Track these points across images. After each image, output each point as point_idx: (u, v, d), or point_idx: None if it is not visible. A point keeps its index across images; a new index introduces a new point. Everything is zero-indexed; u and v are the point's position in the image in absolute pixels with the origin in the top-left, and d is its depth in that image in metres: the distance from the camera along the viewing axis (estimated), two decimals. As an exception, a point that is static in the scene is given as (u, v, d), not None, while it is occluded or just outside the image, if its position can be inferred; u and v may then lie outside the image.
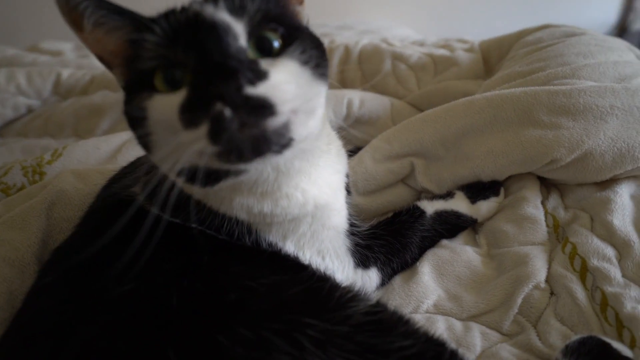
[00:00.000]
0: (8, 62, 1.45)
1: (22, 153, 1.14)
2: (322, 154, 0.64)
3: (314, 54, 0.52)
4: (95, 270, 0.53)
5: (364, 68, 1.28)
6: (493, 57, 1.16)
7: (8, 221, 0.70)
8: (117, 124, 1.20)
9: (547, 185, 0.86)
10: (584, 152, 0.76)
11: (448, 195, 0.85)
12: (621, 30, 2.75)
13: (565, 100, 0.79)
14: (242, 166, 0.50)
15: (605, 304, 0.65)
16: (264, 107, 0.44)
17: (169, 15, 0.52)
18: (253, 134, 0.45)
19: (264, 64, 0.48)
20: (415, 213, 0.81)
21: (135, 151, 0.98)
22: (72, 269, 0.54)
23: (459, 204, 0.83)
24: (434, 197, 0.86)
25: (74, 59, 1.55)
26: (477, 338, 0.67)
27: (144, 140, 0.52)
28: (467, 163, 0.85)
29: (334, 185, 0.66)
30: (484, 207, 0.83)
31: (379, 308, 0.55)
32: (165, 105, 0.48)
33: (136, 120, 0.51)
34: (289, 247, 0.63)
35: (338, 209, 0.67)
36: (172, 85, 0.48)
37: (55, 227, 0.73)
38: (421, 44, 1.44)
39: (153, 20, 0.51)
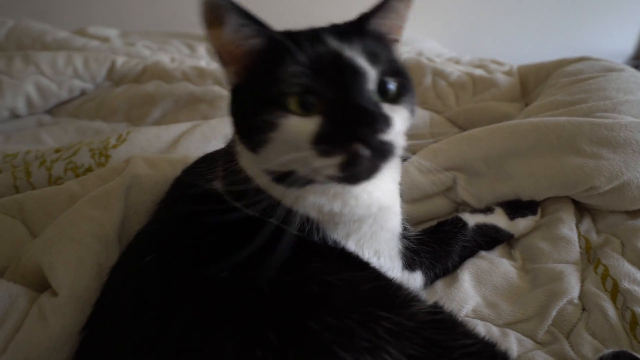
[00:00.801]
0: (59, 45, 1.50)
1: (76, 133, 1.19)
2: None
3: (414, 101, 0.61)
4: (190, 255, 0.59)
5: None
6: (530, 82, 1.22)
7: (92, 200, 0.76)
8: (167, 114, 1.26)
9: (580, 209, 0.93)
10: (621, 182, 0.83)
11: (488, 210, 0.91)
12: (638, 59, 2.83)
13: (607, 132, 0.86)
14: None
15: (634, 323, 0.71)
16: (389, 151, 0.53)
17: (309, 43, 0.56)
18: (371, 168, 0.54)
19: (387, 109, 0.55)
20: (458, 224, 0.87)
21: (193, 143, 1.04)
22: (169, 251, 0.60)
23: (499, 219, 0.90)
24: (474, 210, 0.92)
25: (121, 46, 1.60)
26: (513, 343, 0.73)
27: (256, 143, 0.57)
28: (509, 182, 0.91)
29: (393, 190, 0.73)
30: (521, 224, 0.90)
31: (439, 309, 0.61)
32: (299, 128, 0.53)
33: (258, 128, 0.55)
34: (351, 245, 0.68)
35: (396, 212, 0.73)
36: (304, 110, 0.54)
37: (131, 208, 0.79)
38: (457, 61, 1.50)
39: (292, 41, 0.55)
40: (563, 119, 0.90)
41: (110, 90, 1.33)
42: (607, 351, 0.66)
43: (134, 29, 1.86)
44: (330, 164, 0.52)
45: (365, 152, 0.51)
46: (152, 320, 0.53)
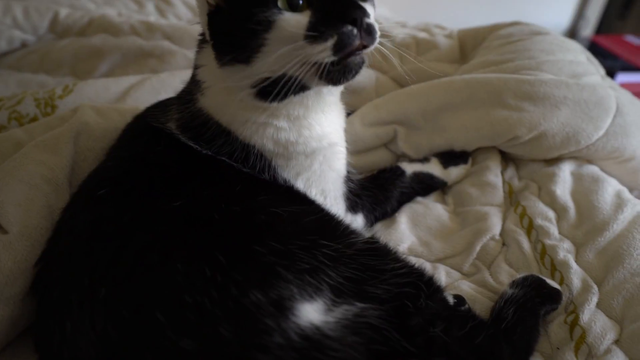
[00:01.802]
0: (-4, -7, 1.42)
1: (18, 86, 1.15)
2: (335, 103, 0.76)
3: (374, 3, 0.67)
4: (144, 188, 0.62)
5: (352, 42, 1.38)
6: (469, 44, 1.30)
7: (40, 145, 0.76)
8: (115, 68, 1.24)
9: (506, 158, 1.02)
10: (540, 132, 0.92)
11: (425, 160, 0.99)
12: (571, 35, 3.01)
13: (529, 88, 0.94)
14: (330, 85, 0.65)
15: (544, 253, 0.81)
16: (374, 32, 0.60)
17: None
18: (359, 60, 0.61)
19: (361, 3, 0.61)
20: (397, 172, 0.94)
21: (143, 96, 1.04)
22: (124, 185, 0.62)
23: (434, 168, 0.98)
24: (412, 160, 0.99)
25: (64, -1, 1.53)
26: (442, 275, 0.82)
27: (249, 51, 0.61)
28: (443, 134, 0.99)
29: (340, 132, 0.79)
30: (454, 172, 0.98)
31: (374, 239, 0.68)
32: (293, 22, 0.59)
33: (251, 32, 0.60)
34: (299, 185, 0.73)
35: (342, 153, 0.79)
36: (293, 7, 0.60)
37: (80, 155, 0.80)
38: (403, 25, 1.56)
39: None
40: (492, 75, 0.98)
41: (54, 42, 1.29)
42: (519, 275, 0.76)
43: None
44: (325, 47, 0.58)
45: (354, 31, 0.58)
46: (106, 246, 0.56)
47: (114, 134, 0.83)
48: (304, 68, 0.60)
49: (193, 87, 0.72)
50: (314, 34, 0.58)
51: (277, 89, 0.63)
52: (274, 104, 0.66)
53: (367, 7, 0.63)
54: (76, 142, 0.79)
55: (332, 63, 0.60)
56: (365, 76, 1.25)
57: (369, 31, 0.59)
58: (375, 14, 0.66)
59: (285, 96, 0.64)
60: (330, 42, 0.58)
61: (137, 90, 1.03)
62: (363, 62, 0.63)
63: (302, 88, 0.65)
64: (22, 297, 0.63)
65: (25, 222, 0.65)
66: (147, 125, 0.73)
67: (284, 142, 0.70)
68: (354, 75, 0.64)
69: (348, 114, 1.07)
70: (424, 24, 1.54)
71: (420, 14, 2.69)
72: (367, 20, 0.59)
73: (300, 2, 0.60)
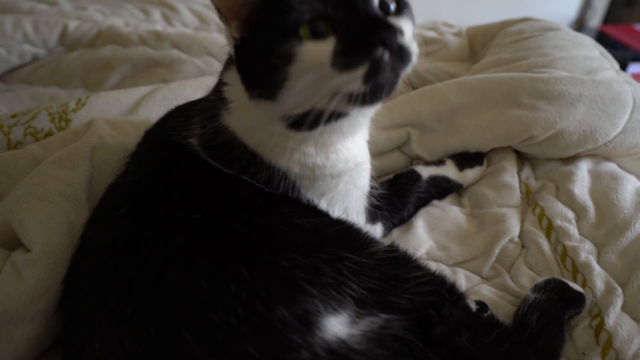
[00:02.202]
0: (3, 8, 1.42)
1: (31, 100, 1.16)
2: (367, 123, 0.74)
3: (413, 15, 0.62)
4: (164, 205, 0.62)
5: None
6: (478, 43, 1.29)
7: (57, 161, 0.76)
8: (126, 79, 1.24)
9: (521, 158, 1.01)
10: (556, 131, 0.91)
11: (440, 162, 0.98)
12: (579, 25, 2.97)
13: (543, 86, 0.93)
14: (364, 110, 0.61)
15: (565, 255, 0.80)
16: (407, 56, 0.54)
17: None
18: (390, 79, 0.54)
19: (392, 19, 0.56)
20: (413, 176, 0.94)
21: (155, 106, 1.04)
22: (144, 202, 0.62)
23: (449, 170, 0.97)
24: (427, 163, 0.99)
25: (71, 10, 1.53)
26: (462, 279, 0.81)
27: (273, 86, 0.57)
28: (457, 135, 0.98)
29: (365, 149, 0.77)
30: (469, 174, 0.97)
31: (395, 248, 0.67)
32: (317, 52, 0.53)
33: (273, 67, 0.55)
34: (322, 205, 0.72)
35: (367, 170, 0.77)
36: (316, 35, 0.54)
37: (96, 169, 0.80)
38: (411, 24, 1.55)
39: None
40: (505, 74, 0.97)
41: (64, 55, 1.30)
42: (540, 279, 0.75)
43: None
44: (355, 77, 0.53)
45: (387, 56, 0.52)
46: (129, 264, 0.56)
47: (128, 147, 0.83)
48: (334, 99, 0.55)
49: (218, 102, 0.69)
50: (342, 61, 0.53)
51: (309, 121, 0.59)
52: (305, 133, 0.64)
53: (403, 22, 0.57)
54: (92, 156, 0.79)
55: None
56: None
57: (400, 55, 0.53)
58: (411, 29, 0.59)
59: (317, 126, 0.61)
60: (361, 71, 0.52)
61: (149, 101, 1.03)
62: (397, 76, 0.56)
63: (338, 116, 0.61)
64: (46, 315, 0.63)
65: (47, 239, 0.66)
66: (167, 139, 0.72)
67: (310, 165, 0.68)
68: (389, 92, 0.57)
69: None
70: (431, 22, 1.53)
71: (426, 7, 2.69)
72: (399, 41, 0.53)
73: (324, 27, 0.54)
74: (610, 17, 2.95)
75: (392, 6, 0.59)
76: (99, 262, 0.59)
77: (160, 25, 1.56)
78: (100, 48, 1.29)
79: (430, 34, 1.36)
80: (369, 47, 0.52)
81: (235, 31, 0.60)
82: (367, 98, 0.55)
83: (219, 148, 0.67)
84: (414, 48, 0.55)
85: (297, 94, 0.57)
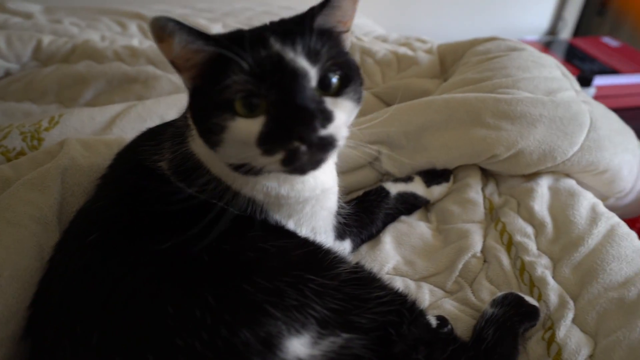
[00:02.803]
0: (-24, 20, 1.42)
1: (3, 116, 1.16)
2: None
3: (360, 89, 0.65)
4: (133, 232, 0.63)
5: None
6: (448, 60, 1.33)
7: (27, 183, 0.77)
8: (101, 95, 1.25)
9: (486, 174, 1.05)
10: (517, 150, 0.95)
11: (408, 179, 1.01)
12: (551, 34, 3.06)
13: (506, 107, 0.97)
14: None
15: (523, 269, 0.84)
16: (330, 144, 0.58)
17: (253, 49, 0.58)
18: (315, 160, 0.59)
19: (329, 103, 0.60)
20: (381, 193, 0.97)
21: (129, 124, 1.05)
22: (113, 229, 0.64)
23: (417, 187, 1.00)
24: (396, 180, 1.02)
25: (46, 23, 1.52)
26: (426, 294, 0.84)
27: (212, 143, 0.62)
28: (425, 153, 1.02)
29: (333, 172, 0.79)
30: (436, 191, 1.01)
31: (359, 268, 0.69)
32: (245, 130, 0.58)
33: (210, 130, 0.60)
34: (290, 225, 0.74)
35: (334, 192, 0.80)
36: (250, 110, 0.58)
37: (68, 190, 0.81)
38: (384, 39, 1.59)
39: (238, 52, 0.57)
40: (471, 95, 1.01)
41: (38, 70, 1.29)
42: (498, 294, 0.79)
43: (59, 5, 1.78)
44: (272, 161, 0.58)
45: (303, 148, 0.56)
46: (96, 291, 0.57)
47: (101, 167, 0.84)
48: (265, 165, 0.60)
49: (185, 128, 0.72)
50: (262, 144, 0.57)
51: (251, 171, 0.63)
52: (255, 177, 0.66)
53: (339, 104, 0.60)
54: (64, 178, 0.80)
55: None
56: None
57: (320, 146, 0.57)
58: (349, 110, 0.63)
59: (260, 174, 0.65)
60: (277, 157, 0.58)
61: (123, 119, 1.04)
62: (320, 159, 0.60)
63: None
64: (14, 340, 0.64)
65: (16, 264, 0.67)
66: (138, 162, 0.73)
67: (274, 195, 0.70)
68: (314, 168, 0.61)
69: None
70: (405, 38, 1.57)
71: (402, 19, 2.73)
72: (320, 134, 0.56)
73: (259, 104, 0.58)
74: (583, 26, 3.04)
75: (334, 80, 0.61)
76: (66, 288, 0.60)
77: (136, 39, 1.57)
78: (75, 63, 1.29)
79: (403, 50, 1.40)
80: (286, 139, 0.56)
81: (187, 82, 0.64)
82: (291, 173, 0.61)
83: (188, 173, 0.69)
84: (340, 135, 0.59)
85: (231, 154, 0.62)
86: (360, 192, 1.00)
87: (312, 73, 0.59)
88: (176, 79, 1.28)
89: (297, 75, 0.58)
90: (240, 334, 0.53)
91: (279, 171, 0.61)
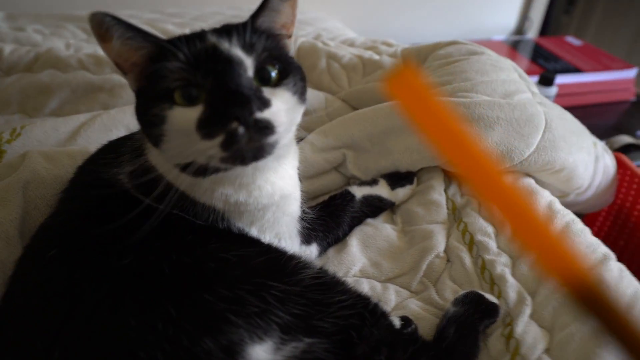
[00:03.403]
0: None
1: (-36, 128, 1.14)
2: (288, 152, 0.76)
3: (300, 84, 0.67)
4: (94, 246, 0.63)
5: (302, 64, 1.42)
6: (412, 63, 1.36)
7: (-13, 198, 0.76)
8: (66, 104, 1.23)
9: (449, 176, 1.09)
10: (476, 152, 0.98)
11: (373, 182, 1.04)
12: (518, 34, 3.15)
13: (465, 110, 1.00)
14: (238, 167, 0.64)
15: (484, 268, 0.87)
16: (267, 128, 0.59)
17: (189, 42, 0.61)
18: (255, 146, 0.60)
19: (266, 92, 0.61)
20: (347, 197, 0.99)
21: (94, 134, 1.05)
22: (73, 244, 0.64)
23: (382, 190, 1.03)
24: (361, 183, 1.04)
25: (8, 31, 1.49)
26: (392, 295, 0.87)
27: (155, 138, 0.62)
28: (389, 156, 1.04)
29: (294, 177, 0.80)
30: (400, 193, 1.03)
31: (322, 273, 0.71)
32: (184, 117, 0.59)
33: (151, 123, 0.61)
34: (253, 232, 0.75)
35: (296, 198, 0.81)
36: (189, 101, 0.60)
37: (31, 203, 0.81)
38: (351, 43, 1.61)
39: (175, 44, 0.60)
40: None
41: (0, 80, 1.27)
42: (460, 292, 0.81)
43: (22, 12, 1.75)
44: (212, 145, 0.58)
45: (240, 129, 0.57)
46: (58, 307, 0.57)
47: (64, 179, 0.83)
48: (205, 157, 0.61)
49: (143, 140, 0.72)
50: (202, 129, 0.58)
51: (196, 171, 0.64)
52: (203, 180, 0.67)
53: (278, 94, 0.62)
54: (25, 192, 0.80)
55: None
56: (315, 97, 1.29)
57: (259, 128, 0.58)
58: (288, 100, 0.63)
59: (206, 175, 0.65)
60: (216, 140, 0.58)
61: (88, 129, 1.03)
62: (261, 145, 0.61)
63: (227, 167, 0.65)
64: (-25, 357, 0.63)
65: (-24, 280, 0.66)
66: (98, 176, 0.73)
67: (233, 202, 0.71)
68: (256, 157, 0.62)
69: (300, 140, 1.12)
70: (372, 41, 1.59)
71: (372, 22, 2.77)
72: (257, 116, 0.58)
73: (196, 94, 0.59)
74: (551, 24, 3.13)
75: (272, 72, 0.63)
76: (26, 305, 0.60)
77: (102, 46, 1.55)
78: (38, 72, 1.28)
79: (368, 54, 1.42)
80: (224, 120, 0.57)
81: (132, 84, 0.66)
82: (232, 161, 0.61)
83: (148, 185, 0.69)
84: (279, 121, 0.60)
85: (173, 149, 0.62)
86: (327, 197, 1.01)
87: (248, 63, 0.62)
88: (142, 87, 1.28)
89: (231, 63, 0.60)
90: (202, 343, 0.54)
91: (221, 161, 0.61)
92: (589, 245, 0.87)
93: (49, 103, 1.22)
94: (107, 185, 0.71)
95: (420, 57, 1.34)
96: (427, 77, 1.18)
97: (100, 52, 1.48)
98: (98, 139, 1.02)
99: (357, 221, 0.99)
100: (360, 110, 1.09)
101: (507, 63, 1.20)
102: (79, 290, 0.58)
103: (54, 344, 0.54)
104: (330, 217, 0.94)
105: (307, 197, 1.06)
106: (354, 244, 0.95)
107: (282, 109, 0.62)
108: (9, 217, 0.75)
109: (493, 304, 0.79)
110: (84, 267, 0.61)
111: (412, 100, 0.33)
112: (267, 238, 0.77)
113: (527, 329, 0.75)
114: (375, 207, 1.01)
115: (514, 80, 1.13)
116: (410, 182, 1.05)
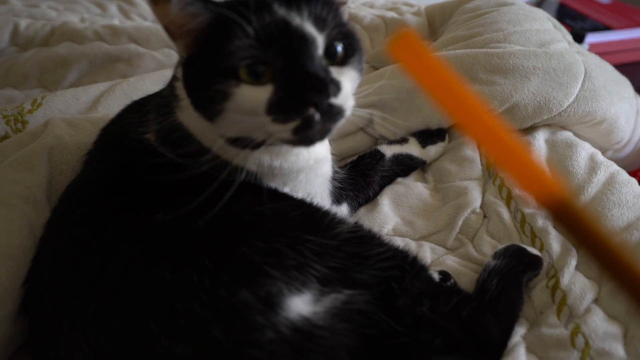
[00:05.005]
0: (-53, 8, 1.38)
1: (-15, 103, 1.13)
2: None
3: (362, 60, 0.64)
4: (123, 204, 0.61)
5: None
6: (437, 21, 1.30)
7: (13, 164, 0.75)
8: (84, 76, 1.22)
9: (481, 132, 1.04)
10: (512, 104, 0.93)
11: (403, 140, 1.00)
12: (542, -2, 3.03)
13: (498, 61, 0.95)
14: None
15: (524, 222, 0.84)
16: (339, 113, 0.57)
17: (257, 14, 0.56)
18: (324, 129, 0.58)
19: (335, 72, 0.58)
20: (376, 156, 0.95)
21: (114, 102, 1.03)
22: (102, 201, 0.62)
23: (412, 148, 0.99)
24: (391, 142, 1.00)
25: (22, 8, 1.48)
26: (427, 252, 0.84)
27: (212, 113, 0.59)
28: (418, 113, 1.00)
29: (326, 141, 0.77)
30: (432, 151, 0.99)
31: (358, 228, 0.68)
32: (252, 97, 0.56)
33: (212, 99, 0.57)
34: (286, 190, 0.73)
35: (328, 160, 0.79)
36: (255, 78, 0.56)
37: (56, 169, 0.79)
38: (371, 5, 1.55)
39: (243, 15, 0.55)
40: (461, 51, 0.99)
41: (18, 55, 1.25)
42: (500, 246, 0.78)
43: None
44: (285, 129, 0.56)
45: (317, 116, 0.55)
46: (90, 264, 0.56)
47: (88, 145, 0.81)
48: (268, 137, 0.59)
49: (172, 98, 0.69)
50: (275, 113, 0.56)
51: (249, 145, 0.62)
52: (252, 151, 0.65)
53: (345, 74, 0.59)
54: (50, 157, 0.78)
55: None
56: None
57: (331, 114, 0.56)
58: (354, 79, 0.62)
59: (258, 148, 0.63)
60: (290, 126, 0.56)
61: (108, 98, 1.01)
62: (329, 129, 0.60)
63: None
64: (12, 317, 0.63)
65: (8, 243, 0.65)
66: (124, 135, 0.71)
67: (267, 166, 0.68)
68: (321, 139, 0.61)
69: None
70: (391, 2, 1.54)
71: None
72: (331, 101, 0.55)
73: (264, 72, 0.56)
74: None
75: (339, 49, 0.60)
76: (59, 263, 0.59)
77: (117, 20, 1.53)
78: (55, 46, 1.26)
79: (390, 14, 1.37)
80: (301, 106, 0.55)
81: (182, 50, 0.61)
82: (298, 144, 0.60)
83: (176, 144, 0.67)
84: (348, 105, 0.59)
85: (233, 125, 0.60)
86: (355, 158, 0.98)
87: (320, 40, 0.58)
88: (160, 56, 1.25)
89: (305, 42, 0.56)
90: (240, 294, 0.52)
91: (286, 141, 0.60)
92: (636, 196, 0.82)
93: (68, 76, 1.21)
94: (133, 144, 0.69)
95: (445, 13, 1.28)
96: (454, 31, 1.13)
97: (116, 22, 1.46)
98: (119, 107, 0.98)
99: (388, 180, 0.96)
100: (384, 68, 1.05)
101: (540, 13, 1.14)
102: (111, 246, 0.57)
103: (89, 299, 0.53)
104: (360, 176, 0.91)
105: (336, 158, 1.03)
106: (386, 202, 0.92)
107: (349, 90, 0.60)
108: (36, 181, 0.74)
109: (536, 255, 0.75)
110: (114, 223, 0.59)
111: (413, 62, 0.35)
112: (299, 196, 0.74)
113: (573, 279, 0.71)
114: (406, 166, 0.98)
115: (548, 29, 1.07)
116: (442, 139, 1.01)
